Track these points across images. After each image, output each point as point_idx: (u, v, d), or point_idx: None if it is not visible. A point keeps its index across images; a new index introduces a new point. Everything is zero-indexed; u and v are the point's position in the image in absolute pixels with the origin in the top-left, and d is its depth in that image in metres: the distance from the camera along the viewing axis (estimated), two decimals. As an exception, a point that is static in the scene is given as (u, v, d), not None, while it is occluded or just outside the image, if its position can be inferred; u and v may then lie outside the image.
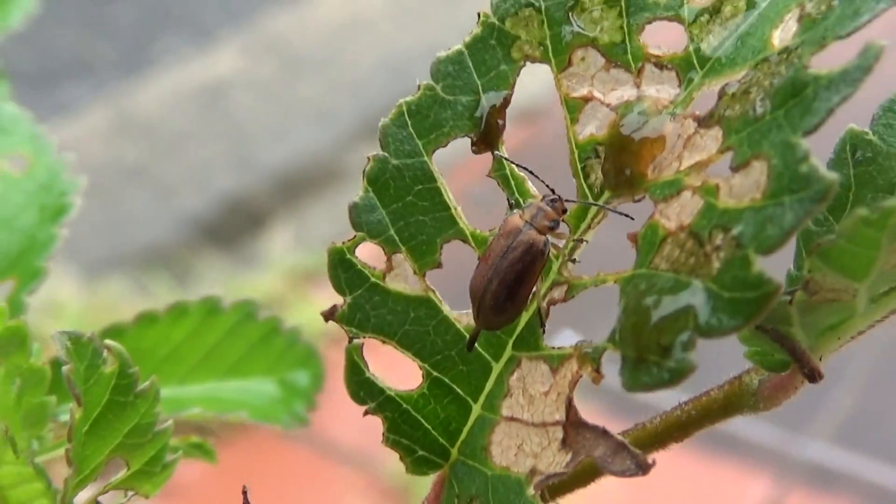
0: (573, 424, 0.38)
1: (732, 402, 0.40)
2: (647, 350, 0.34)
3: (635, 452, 0.37)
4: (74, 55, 3.52)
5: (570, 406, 0.38)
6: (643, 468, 0.36)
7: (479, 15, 0.40)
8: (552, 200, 0.39)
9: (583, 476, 0.40)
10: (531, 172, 0.40)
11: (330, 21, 3.95)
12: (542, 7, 0.39)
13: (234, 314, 0.59)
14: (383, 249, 0.41)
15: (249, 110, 3.47)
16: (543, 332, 0.40)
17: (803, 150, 0.32)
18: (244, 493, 0.42)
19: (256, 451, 2.13)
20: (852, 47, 0.34)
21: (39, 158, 0.57)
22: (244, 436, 2.00)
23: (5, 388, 0.42)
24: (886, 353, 2.31)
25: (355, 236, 0.41)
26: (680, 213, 0.36)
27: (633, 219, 0.38)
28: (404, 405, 0.42)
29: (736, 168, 0.34)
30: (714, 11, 0.38)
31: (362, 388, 0.42)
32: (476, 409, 0.41)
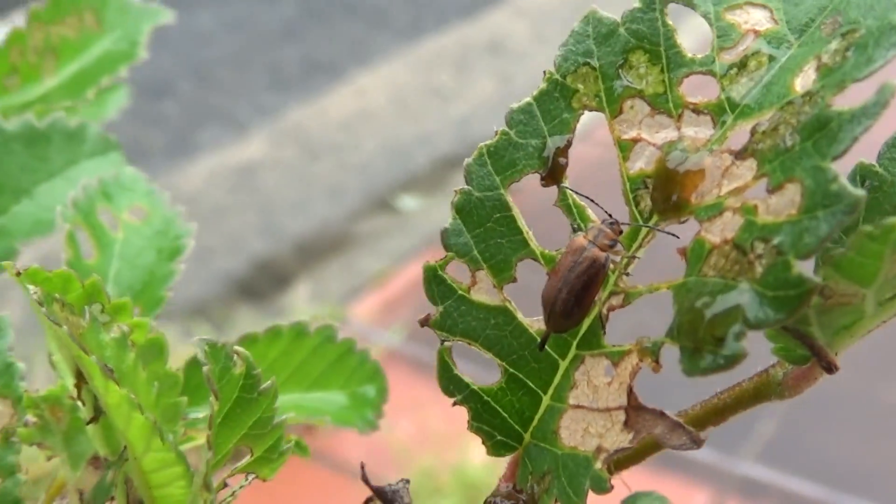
0: (634, 408, 0.38)
1: (761, 390, 0.40)
2: (704, 342, 0.35)
3: (690, 430, 0.37)
4: (132, 142, 3.52)
5: (630, 393, 0.39)
6: (697, 443, 0.37)
7: (544, 73, 0.41)
8: (610, 223, 0.40)
9: (641, 452, 0.40)
10: (592, 200, 0.41)
11: (341, 113, 3.97)
12: (597, 66, 0.40)
13: (318, 336, 0.59)
14: (468, 267, 0.42)
15: (275, 187, 3.48)
16: (604, 333, 0.41)
17: (832, 172, 0.33)
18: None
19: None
20: (865, 86, 0.35)
21: (155, 210, 0.58)
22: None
23: (147, 390, 0.42)
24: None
25: (446, 256, 0.42)
26: (723, 229, 0.36)
27: (678, 237, 0.38)
28: (485, 397, 0.42)
29: (771, 190, 0.35)
30: (741, 66, 0.38)
31: (452, 383, 0.42)
32: (546, 400, 0.42)
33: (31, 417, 0.49)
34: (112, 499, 0.46)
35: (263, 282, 3.01)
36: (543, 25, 4.72)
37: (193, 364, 0.54)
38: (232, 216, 3.29)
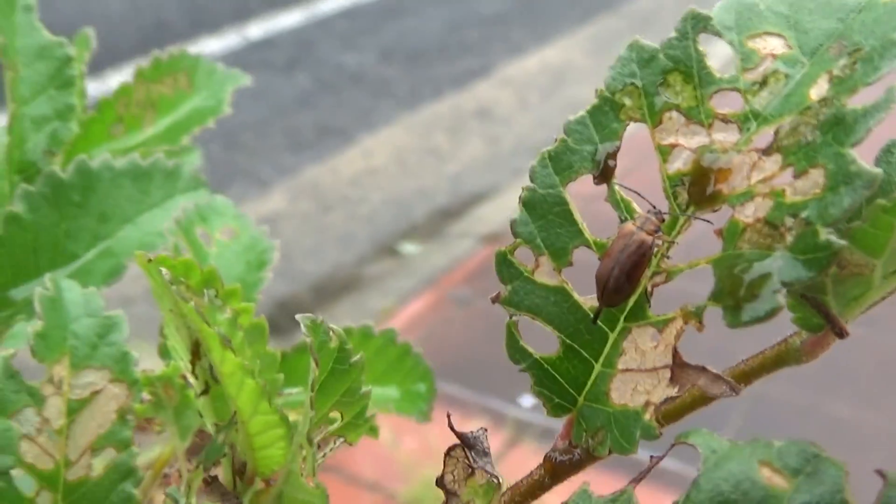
0: (679, 365, 0.40)
1: (782, 356, 0.41)
2: (744, 300, 0.36)
3: (728, 380, 0.38)
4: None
5: (675, 353, 0.40)
6: (736, 391, 0.38)
7: (596, 91, 0.42)
8: (655, 213, 0.41)
9: (684, 408, 0.41)
10: (638, 194, 0.42)
11: (350, 171, 3.99)
12: (641, 85, 0.41)
13: (382, 338, 0.61)
14: (532, 252, 0.43)
15: (293, 235, 3.48)
16: (649, 306, 0.42)
17: (852, 155, 0.35)
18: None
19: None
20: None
21: (243, 229, 0.60)
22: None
23: (251, 367, 0.43)
24: (757, 404, 2.32)
25: (514, 242, 0.43)
26: (755, 211, 0.38)
27: (712, 223, 0.40)
28: (546, 365, 0.43)
29: (797, 176, 0.37)
30: (762, 83, 0.40)
31: (517, 352, 0.43)
32: (598, 367, 0.42)
33: (146, 395, 0.51)
34: (218, 464, 0.47)
35: (284, 318, 3.00)
36: (525, 93, 4.76)
37: (287, 355, 0.55)
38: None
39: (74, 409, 0.49)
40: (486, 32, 5.68)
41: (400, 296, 3.02)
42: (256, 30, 5.53)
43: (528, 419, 2.33)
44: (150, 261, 0.42)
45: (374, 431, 0.52)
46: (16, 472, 0.48)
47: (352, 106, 4.64)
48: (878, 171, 0.34)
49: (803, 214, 0.36)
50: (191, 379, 0.47)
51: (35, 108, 0.59)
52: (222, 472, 0.46)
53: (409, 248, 3.42)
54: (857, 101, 0.37)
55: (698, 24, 0.41)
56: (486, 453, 0.41)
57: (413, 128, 4.41)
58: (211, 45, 5.16)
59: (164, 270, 0.42)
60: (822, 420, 2.37)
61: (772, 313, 0.35)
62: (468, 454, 0.41)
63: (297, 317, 0.42)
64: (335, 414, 0.45)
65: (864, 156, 0.37)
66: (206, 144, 3.17)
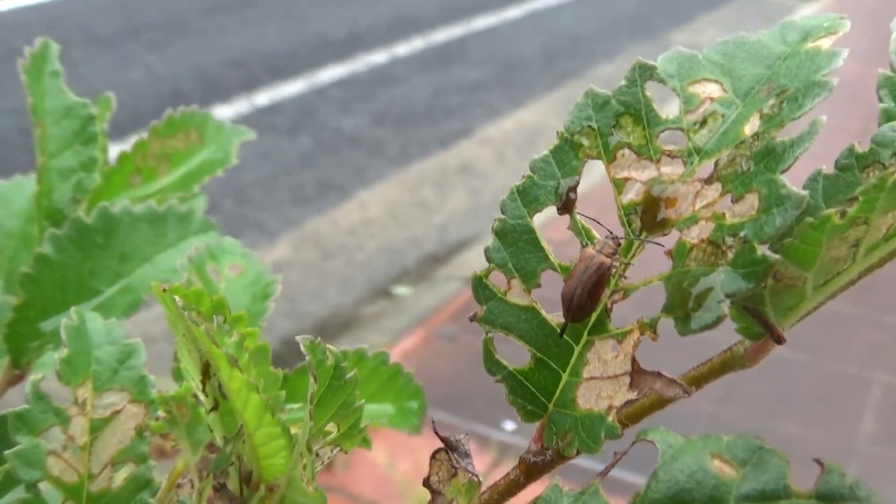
0: (637, 372, 0.40)
1: (728, 363, 0.41)
2: (692, 311, 0.36)
3: (682, 383, 0.38)
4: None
5: (633, 361, 0.40)
6: (688, 392, 0.38)
7: (557, 132, 0.43)
8: (612, 238, 0.41)
9: (643, 411, 0.41)
10: (597, 222, 0.42)
11: (348, 222, 4.00)
12: (596, 127, 0.42)
13: (375, 360, 0.61)
14: (505, 276, 0.43)
15: (297, 280, 3.48)
16: (609, 320, 0.42)
17: (782, 180, 0.36)
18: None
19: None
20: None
21: (249, 266, 0.60)
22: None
23: (256, 384, 0.43)
24: (713, 424, 2.32)
25: (489, 266, 0.43)
26: (700, 232, 0.38)
27: (663, 246, 0.40)
28: (519, 376, 0.43)
29: (735, 201, 0.37)
30: (702, 122, 0.40)
31: (493, 365, 0.43)
32: (565, 377, 0.42)
33: (161, 413, 0.50)
34: (226, 473, 0.47)
35: (289, 354, 2.99)
36: (503, 151, 4.80)
37: (289, 376, 0.56)
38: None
39: (97, 428, 0.49)
40: (467, 98, 5.73)
41: (394, 333, 3.02)
42: (263, 97, 5.56)
43: (511, 442, 2.33)
44: (165, 290, 0.42)
45: (367, 443, 0.52)
46: (43, 486, 0.47)
47: (349, 164, 4.66)
48: (805, 193, 0.35)
49: (741, 234, 0.36)
50: (201, 397, 0.46)
51: (62, 161, 0.60)
52: (230, 480, 0.45)
53: (401, 290, 3.43)
54: (784, 134, 0.37)
55: (645, 72, 0.41)
56: (467, 455, 0.41)
57: (404, 183, 4.43)
58: (223, 112, 5.18)
59: (177, 298, 0.42)
60: (773, 438, 2.35)
61: (717, 321, 0.36)
62: (451, 456, 0.41)
63: (298, 338, 0.43)
64: (332, 426, 0.45)
65: (793, 182, 0.37)
66: (219, 199, 3.20)
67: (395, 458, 2.21)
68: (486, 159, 4.71)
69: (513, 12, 8.02)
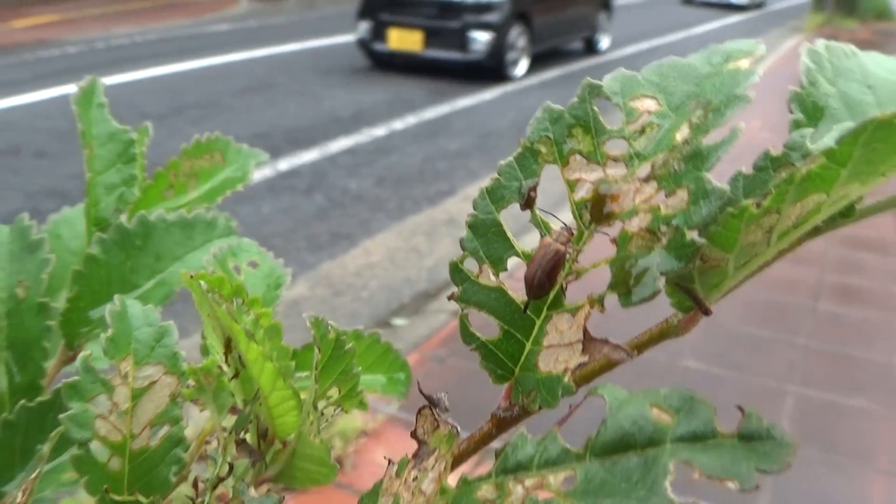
0: (587, 340, 0.39)
1: (664, 331, 0.40)
2: (633, 287, 0.36)
3: (626, 348, 0.38)
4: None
5: (585, 331, 0.39)
6: (631, 356, 0.37)
7: (520, 140, 0.42)
8: (566, 229, 0.41)
9: (596, 371, 0.40)
10: (554, 216, 0.42)
11: (355, 265, 3.98)
12: (552, 136, 0.41)
13: (369, 339, 0.60)
14: (476, 262, 0.42)
15: (316, 308, 3.45)
16: (565, 297, 0.41)
17: (707, 177, 0.35)
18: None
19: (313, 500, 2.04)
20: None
21: (263, 261, 0.59)
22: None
23: (269, 354, 0.42)
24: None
25: (463, 254, 0.42)
26: (639, 223, 0.37)
27: (609, 234, 0.39)
28: (490, 346, 0.42)
29: (668, 195, 0.37)
30: (641, 131, 0.40)
31: (468, 336, 0.42)
32: (528, 345, 0.41)
33: (191, 382, 0.49)
34: (246, 430, 0.46)
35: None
36: (482, 207, 4.81)
37: (297, 351, 0.55)
38: (285, 332, 3.26)
39: (137, 395, 0.47)
40: (451, 163, 5.76)
41: (392, 355, 3.00)
42: (284, 164, 5.58)
43: (492, 446, 2.30)
44: (192, 277, 0.41)
45: (363, 405, 0.51)
46: (92, 445, 0.46)
47: (355, 218, 4.65)
48: (726, 187, 0.35)
49: (674, 222, 0.36)
50: (224, 367, 0.45)
51: (106, 177, 0.59)
52: (250, 436, 0.44)
53: (399, 321, 3.40)
54: (709, 140, 0.37)
55: (593, 91, 0.41)
56: (447, 410, 0.40)
57: (400, 233, 4.42)
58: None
59: (203, 283, 0.41)
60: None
61: (653, 295, 0.35)
62: (434, 411, 0.40)
63: (304, 315, 0.42)
64: (334, 391, 0.44)
65: (718, 181, 0.37)
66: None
67: (395, 460, 2.17)
68: (468, 213, 4.73)
69: (488, 94, 8.11)
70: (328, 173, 5.43)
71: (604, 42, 11.98)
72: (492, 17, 8.86)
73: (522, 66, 9.40)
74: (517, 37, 9.22)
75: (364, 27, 9.29)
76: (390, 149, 6.06)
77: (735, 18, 18.58)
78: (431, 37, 8.90)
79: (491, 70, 8.89)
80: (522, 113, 7.32)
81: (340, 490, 2.16)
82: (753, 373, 2.78)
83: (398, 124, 6.80)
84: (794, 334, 3.07)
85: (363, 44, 9.36)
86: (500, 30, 8.79)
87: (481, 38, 8.77)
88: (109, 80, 8.15)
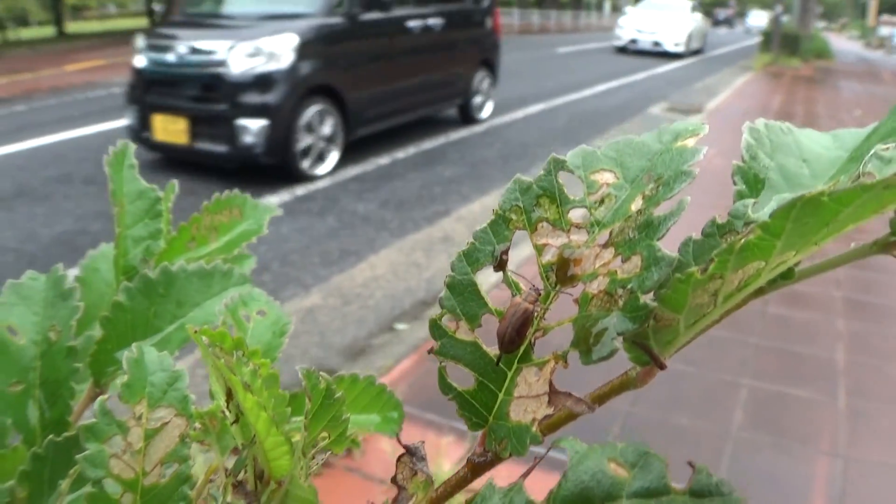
0: (553, 392, 0.37)
1: (624, 383, 0.39)
2: (592, 345, 0.34)
3: (587, 402, 0.36)
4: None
5: (551, 384, 0.37)
6: (592, 409, 0.36)
7: (493, 210, 0.40)
8: (534, 290, 0.39)
9: (560, 421, 0.38)
10: (523, 277, 0.40)
11: (362, 277, 3.96)
12: (522, 205, 0.40)
13: (365, 381, 0.58)
14: (454, 318, 0.40)
15: (325, 320, 3.43)
16: (533, 352, 0.39)
17: (658, 246, 0.33)
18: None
19: None
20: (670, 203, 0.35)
21: (270, 310, 0.57)
22: None
23: (267, 402, 0.40)
24: (628, 419, 2.27)
25: (441, 311, 0.40)
26: (599, 285, 0.36)
27: (572, 295, 0.38)
28: (466, 395, 0.40)
29: (624, 261, 0.35)
30: (601, 202, 0.38)
31: (446, 387, 0.41)
32: (501, 396, 0.40)
33: (197, 424, 0.47)
34: (245, 470, 0.44)
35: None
36: (473, 225, 4.75)
37: (295, 395, 0.53)
38: (302, 336, 3.23)
39: (150, 435, 0.45)
40: (446, 188, 5.74)
41: (396, 357, 2.97)
42: (301, 190, 5.56)
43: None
44: (196, 332, 0.40)
45: (355, 444, 0.49)
46: (106, 482, 0.44)
47: (362, 237, 4.64)
48: (675, 255, 0.33)
49: (629, 286, 0.34)
50: (227, 412, 0.44)
51: (135, 231, 0.58)
52: (248, 477, 0.42)
53: (401, 326, 3.39)
54: (660, 211, 0.36)
55: (558, 165, 0.39)
56: (423, 459, 0.39)
57: (402, 249, 4.40)
58: (272, 199, 5.18)
59: (204, 338, 0.39)
60: (671, 428, 2.33)
61: (611, 354, 0.33)
62: (412, 460, 0.38)
63: (297, 368, 0.40)
64: (325, 434, 0.42)
65: (676, 244, 0.36)
66: (269, 262, 3.17)
67: (398, 449, 2.15)
68: (461, 232, 4.70)
69: (478, 128, 8.09)
70: (339, 198, 5.42)
71: (485, 108, 8.27)
72: (268, 97, 5.40)
73: (331, 160, 5.99)
74: (320, 121, 5.78)
75: (132, 112, 5.87)
76: (393, 176, 6.05)
77: (672, 66, 16.05)
78: (197, 125, 5.50)
79: (276, 167, 5.61)
80: (508, 145, 7.31)
81: (351, 474, 2.13)
82: (711, 369, 2.77)
83: (400, 154, 6.79)
84: (746, 334, 3.06)
85: (133, 132, 5.81)
86: (278, 114, 5.40)
87: (252, 127, 5.37)
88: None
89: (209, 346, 0.39)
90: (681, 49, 18.36)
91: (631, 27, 18.98)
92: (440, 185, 5.80)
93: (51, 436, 0.52)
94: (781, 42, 17.53)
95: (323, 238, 4.57)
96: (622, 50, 19.06)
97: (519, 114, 8.86)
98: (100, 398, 0.45)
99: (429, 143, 7.22)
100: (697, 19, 20.17)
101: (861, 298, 3.51)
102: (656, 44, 18.46)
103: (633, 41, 18.81)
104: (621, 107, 9.83)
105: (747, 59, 17.79)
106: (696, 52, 20.21)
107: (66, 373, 0.55)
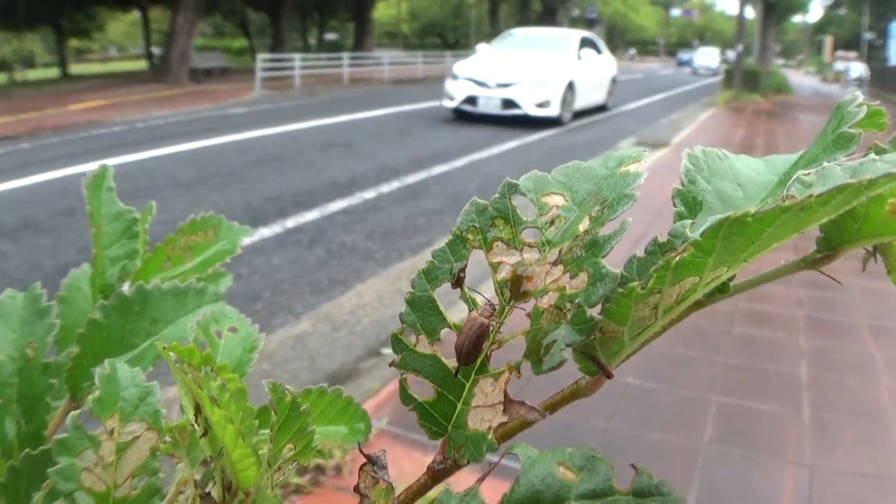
0: (508, 401, 0.37)
1: (574, 392, 0.39)
2: (543, 356, 0.34)
3: (540, 410, 0.36)
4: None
5: (505, 394, 0.37)
6: (543, 416, 0.36)
7: (451, 230, 0.40)
8: (490, 305, 0.39)
9: (515, 429, 0.38)
10: (480, 293, 0.40)
11: (350, 305, 3.93)
12: (478, 226, 0.40)
13: (333, 394, 0.57)
14: (414, 333, 0.40)
15: (315, 346, 3.40)
16: (489, 364, 0.39)
17: (602, 263, 0.34)
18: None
19: None
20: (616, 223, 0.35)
21: (241, 327, 0.56)
22: None
23: (235, 415, 0.39)
24: (605, 435, 2.26)
25: (402, 326, 0.40)
26: (549, 300, 0.36)
27: (525, 310, 0.38)
28: (426, 406, 0.40)
29: (572, 277, 0.35)
30: (551, 222, 0.39)
31: (407, 398, 0.40)
32: (459, 405, 0.39)
33: (168, 438, 0.46)
34: (213, 482, 0.43)
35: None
36: (454, 256, 4.80)
37: (261, 409, 0.52)
38: (293, 362, 3.19)
39: (121, 449, 0.44)
40: (429, 220, 5.75)
41: (382, 381, 2.93)
42: (291, 222, 5.55)
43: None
44: (164, 348, 0.39)
45: (322, 454, 0.48)
46: (78, 495, 0.43)
47: (350, 267, 4.62)
48: (618, 272, 0.33)
49: (576, 300, 0.34)
50: (196, 426, 0.43)
51: (112, 251, 0.57)
52: (216, 488, 0.41)
53: (387, 351, 3.36)
54: (605, 231, 0.36)
55: (512, 188, 0.40)
56: (384, 467, 0.38)
57: (387, 278, 4.38)
58: (263, 232, 5.16)
59: (172, 354, 0.38)
60: (645, 443, 2.32)
61: (560, 364, 0.33)
62: (373, 468, 0.38)
63: (263, 381, 0.39)
64: (291, 445, 0.41)
65: (620, 262, 0.36)
66: (261, 291, 3.14)
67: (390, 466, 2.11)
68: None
69: (458, 162, 8.15)
70: (327, 230, 5.41)
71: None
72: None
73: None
74: None
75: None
76: (378, 209, 6.06)
77: (546, 133, 9.96)
78: None
79: None
80: (486, 179, 7.36)
81: (340, 493, 2.09)
82: (682, 386, 2.76)
83: (385, 188, 6.81)
84: (714, 353, 3.06)
85: None
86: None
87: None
88: (147, 154, 8.12)
89: (177, 362, 0.38)
90: (550, 112, 10.52)
91: (468, 79, 10.81)
92: (423, 217, 5.82)
93: (27, 449, 0.51)
94: (743, 79, 17.90)
95: (312, 268, 4.55)
96: (461, 114, 10.98)
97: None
98: (72, 413, 0.44)
99: (412, 178, 7.26)
100: (592, 63, 11.95)
101: (822, 317, 3.54)
102: (509, 103, 10.52)
103: (471, 100, 10.71)
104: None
105: (712, 95, 17.92)
106: (599, 110, 12.90)
107: (43, 388, 0.54)
